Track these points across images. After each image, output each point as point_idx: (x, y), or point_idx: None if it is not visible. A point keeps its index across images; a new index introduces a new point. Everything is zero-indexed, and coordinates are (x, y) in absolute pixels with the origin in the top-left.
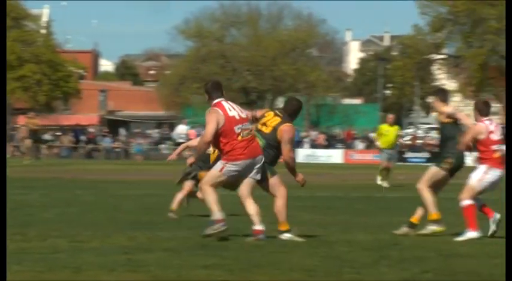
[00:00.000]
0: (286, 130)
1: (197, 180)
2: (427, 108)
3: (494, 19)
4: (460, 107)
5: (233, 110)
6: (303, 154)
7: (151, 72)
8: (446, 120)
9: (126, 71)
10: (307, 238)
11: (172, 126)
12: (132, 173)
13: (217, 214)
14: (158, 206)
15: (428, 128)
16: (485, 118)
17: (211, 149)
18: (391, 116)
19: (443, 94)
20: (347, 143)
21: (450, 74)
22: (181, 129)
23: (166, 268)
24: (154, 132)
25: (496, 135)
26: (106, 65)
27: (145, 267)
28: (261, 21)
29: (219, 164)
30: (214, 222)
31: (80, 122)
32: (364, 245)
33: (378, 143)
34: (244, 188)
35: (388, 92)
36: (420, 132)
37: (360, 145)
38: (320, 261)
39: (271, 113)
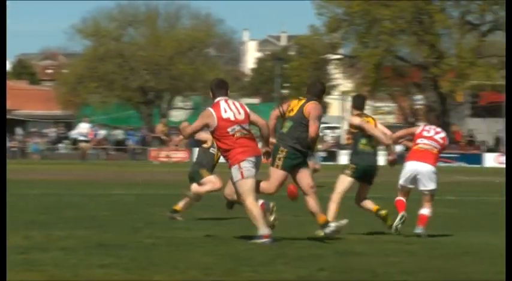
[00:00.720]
0: (313, 107)
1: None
2: (324, 108)
3: (389, 20)
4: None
5: (229, 111)
6: None
7: (49, 71)
8: (354, 130)
9: (23, 70)
10: (206, 237)
11: (69, 126)
12: (29, 172)
13: (263, 229)
14: (55, 205)
15: (325, 127)
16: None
17: (215, 149)
18: None
19: (356, 101)
20: None
21: (346, 74)
22: (82, 127)
23: (63, 267)
24: (51, 132)
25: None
26: None
27: (41, 266)
28: (158, 21)
29: (235, 172)
30: (261, 237)
31: None
32: (261, 244)
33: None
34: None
35: (285, 91)
36: None
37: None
38: (218, 259)
39: (295, 100)
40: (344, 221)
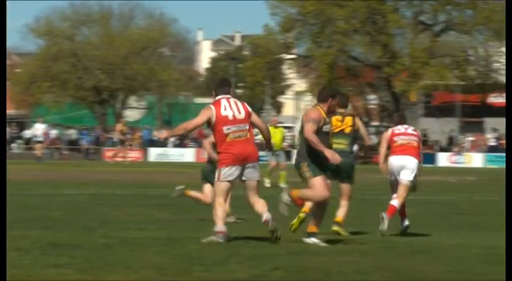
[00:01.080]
0: (308, 111)
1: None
2: (278, 107)
3: (342, 20)
4: (310, 106)
5: (229, 109)
6: (155, 153)
7: None
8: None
9: None
10: (159, 237)
11: (22, 125)
12: None
13: (220, 226)
14: (9, 205)
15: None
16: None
17: None
18: (274, 118)
19: (340, 99)
20: (199, 142)
21: (300, 74)
22: (37, 127)
23: (17, 267)
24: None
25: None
26: None
27: None
28: (112, 20)
29: (216, 173)
30: (216, 233)
31: None
32: (214, 243)
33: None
34: (249, 194)
35: (239, 91)
36: None
37: None
38: (171, 259)
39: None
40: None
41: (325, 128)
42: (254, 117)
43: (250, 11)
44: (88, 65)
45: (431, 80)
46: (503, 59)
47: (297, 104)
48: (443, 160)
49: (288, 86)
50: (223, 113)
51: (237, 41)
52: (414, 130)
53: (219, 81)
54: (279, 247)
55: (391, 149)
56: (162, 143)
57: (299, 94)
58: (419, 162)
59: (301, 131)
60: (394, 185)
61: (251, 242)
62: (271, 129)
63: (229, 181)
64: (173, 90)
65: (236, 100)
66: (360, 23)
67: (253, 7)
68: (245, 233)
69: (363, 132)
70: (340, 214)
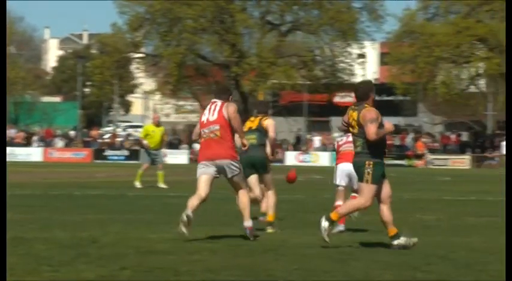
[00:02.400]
0: (366, 111)
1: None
2: (127, 107)
3: (191, 18)
4: (159, 105)
5: (207, 113)
6: None
7: None
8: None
9: None
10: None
11: None
12: None
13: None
14: None
15: (128, 126)
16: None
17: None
18: (156, 116)
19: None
20: (47, 141)
21: (149, 73)
22: None
23: None
24: None
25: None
26: None
27: None
28: None
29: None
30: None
31: None
32: (62, 243)
33: (146, 144)
34: (235, 188)
35: (87, 90)
36: (120, 131)
37: (59, 142)
38: (19, 259)
39: (351, 111)
40: (415, 239)
41: (383, 122)
42: (233, 122)
43: (98, 10)
44: None
45: (278, 79)
46: (349, 59)
47: (146, 103)
48: (291, 158)
49: (137, 85)
50: (202, 117)
51: (85, 40)
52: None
53: (215, 88)
54: (128, 247)
55: (339, 154)
56: (9, 143)
57: (147, 93)
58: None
59: (358, 135)
60: (340, 189)
61: (99, 242)
62: (151, 127)
63: (205, 175)
64: (20, 89)
65: (218, 104)
66: (208, 22)
67: (102, 6)
68: (94, 233)
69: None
70: (270, 211)
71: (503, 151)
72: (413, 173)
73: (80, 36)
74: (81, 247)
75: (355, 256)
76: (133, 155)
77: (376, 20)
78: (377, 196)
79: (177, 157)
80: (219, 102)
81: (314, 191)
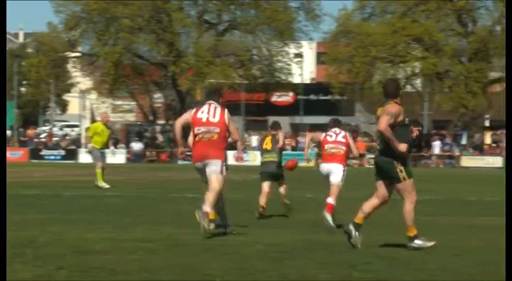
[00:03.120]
0: (387, 106)
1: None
2: (63, 106)
3: (127, 18)
4: (95, 105)
5: (205, 113)
6: None
7: None
8: None
9: None
10: None
11: None
12: None
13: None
14: None
15: (64, 125)
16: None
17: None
18: (106, 116)
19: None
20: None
21: (85, 72)
22: None
23: None
24: None
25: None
26: None
27: None
28: None
29: None
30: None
31: None
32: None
33: (90, 143)
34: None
35: (23, 89)
36: (56, 130)
37: None
38: None
39: (378, 109)
40: (431, 243)
41: (407, 121)
42: (231, 127)
43: (34, 9)
44: None
45: (216, 79)
46: (286, 59)
47: (82, 103)
48: (229, 158)
49: (73, 84)
50: (199, 115)
51: (21, 39)
52: (344, 137)
53: (207, 92)
54: (64, 247)
55: (322, 155)
56: None
57: (84, 92)
58: (343, 165)
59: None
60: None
61: (36, 242)
62: (101, 126)
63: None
64: None
65: (218, 107)
66: (145, 22)
67: (37, 5)
68: (31, 232)
69: None
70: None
71: (436, 151)
72: (351, 172)
73: (15, 35)
74: (18, 247)
75: (292, 255)
76: (70, 154)
77: (313, 19)
78: (377, 189)
79: (115, 157)
80: (218, 106)
81: (251, 190)
